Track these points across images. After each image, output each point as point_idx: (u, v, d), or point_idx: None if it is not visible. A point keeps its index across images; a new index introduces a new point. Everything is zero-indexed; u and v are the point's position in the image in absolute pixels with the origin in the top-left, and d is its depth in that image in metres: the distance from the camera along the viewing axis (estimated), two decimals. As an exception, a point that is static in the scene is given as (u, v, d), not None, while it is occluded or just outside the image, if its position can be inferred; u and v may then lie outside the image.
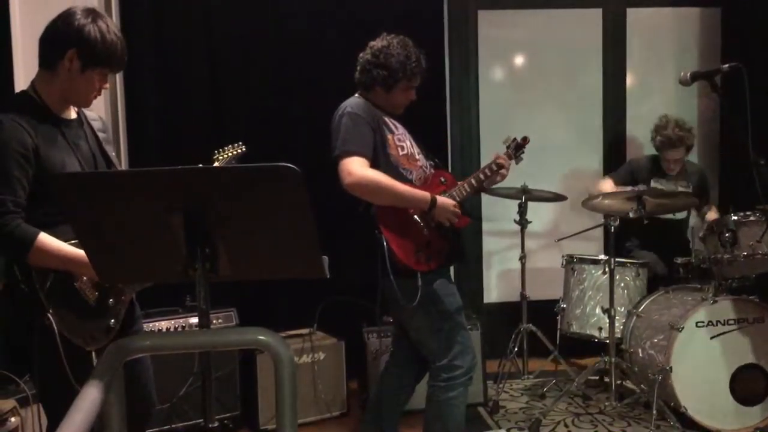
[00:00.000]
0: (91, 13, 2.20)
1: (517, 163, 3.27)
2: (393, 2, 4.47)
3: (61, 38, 2.17)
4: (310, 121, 4.35)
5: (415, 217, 2.97)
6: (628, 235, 4.57)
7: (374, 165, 2.92)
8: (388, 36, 3.06)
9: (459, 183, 3.12)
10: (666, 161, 4.50)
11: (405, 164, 3.01)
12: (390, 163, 2.97)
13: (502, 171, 3.16)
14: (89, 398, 1.53)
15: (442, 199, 2.97)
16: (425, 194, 2.94)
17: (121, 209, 1.70)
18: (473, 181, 3.11)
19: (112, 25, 2.24)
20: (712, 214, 4.45)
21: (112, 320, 2.23)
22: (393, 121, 3.06)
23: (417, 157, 3.08)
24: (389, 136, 2.99)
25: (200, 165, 2.58)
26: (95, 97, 2.29)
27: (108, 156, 2.35)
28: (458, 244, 3.15)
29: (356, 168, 2.85)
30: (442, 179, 3.14)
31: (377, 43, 3.05)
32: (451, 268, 4.76)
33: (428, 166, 3.14)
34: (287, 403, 1.68)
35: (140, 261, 1.86)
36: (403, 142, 3.04)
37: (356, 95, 3.09)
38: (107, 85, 2.31)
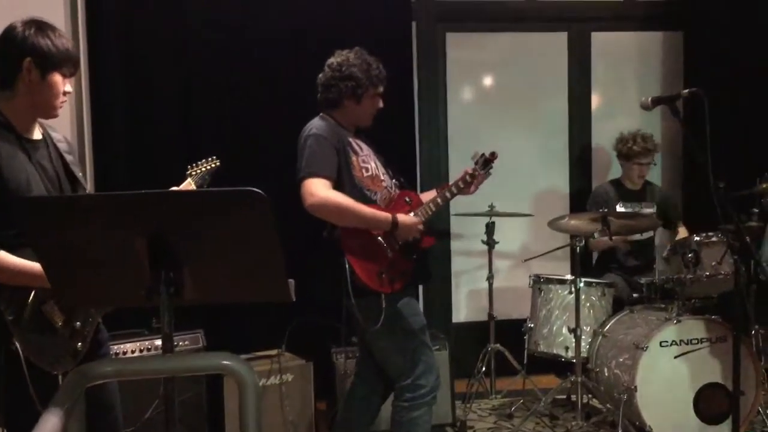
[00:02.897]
0: (32, 22, 2.20)
1: (484, 178, 3.29)
2: (362, 24, 4.50)
3: (11, 53, 2.17)
4: (281, 138, 4.32)
5: (379, 238, 2.98)
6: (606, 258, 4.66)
7: (338, 186, 2.94)
8: (342, 52, 3.12)
9: (424, 202, 3.15)
10: (634, 168, 4.61)
11: (369, 185, 3.04)
12: (354, 184, 2.99)
13: (474, 183, 3.19)
14: (49, 425, 1.51)
15: (403, 218, 2.99)
16: (387, 215, 2.97)
17: (83, 233, 1.69)
18: (439, 200, 3.14)
19: (56, 28, 2.24)
20: (681, 231, 4.53)
21: (79, 343, 2.21)
22: (358, 141, 3.09)
23: (382, 178, 3.11)
24: (354, 158, 3.02)
25: (173, 188, 2.59)
26: (62, 105, 2.28)
27: (74, 177, 2.33)
28: (424, 264, 3.17)
29: (318, 189, 2.87)
30: (407, 199, 3.16)
31: (334, 60, 3.11)
32: (420, 287, 4.83)
33: (393, 186, 3.16)
34: (252, 428, 1.68)
35: (103, 285, 1.85)
36: (367, 163, 3.06)
37: (320, 116, 3.11)
38: (71, 89, 2.30)
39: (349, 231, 2.94)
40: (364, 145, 3.12)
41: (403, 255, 3.03)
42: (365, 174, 3.04)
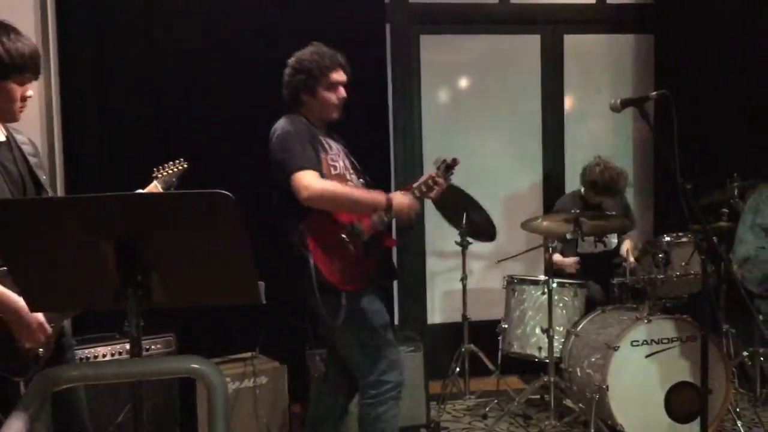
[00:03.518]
0: None
1: (446, 184, 3.29)
2: (336, 26, 4.50)
3: None
4: (252, 140, 4.30)
5: (343, 236, 2.99)
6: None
7: None
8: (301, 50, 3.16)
9: None
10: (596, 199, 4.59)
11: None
12: None
13: (436, 188, 3.19)
14: (14, 430, 1.50)
15: (397, 198, 3.03)
16: (381, 196, 3.01)
17: (50, 237, 1.68)
18: None
19: (13, 32, 2.19)
20: (625, 245, 4.55)
21: (41, 349, 2.18)
22: (327, 140, 3.12)
23: (349, 177, 3.13)
24: (323, 156, 3.04)
25: (138, 190, 2.57)
26: (22, 109, 2.24)
27: (39, 180, 2.31)
28: (387, 264, 3.21)
29: (312, 181, 2.89)
30: None
31: (292, 59, 3.14)
32: (395, 289, 4.84)
33: (360, 186, 3.18)
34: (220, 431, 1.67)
35: (71, 289, 1.83)
36: (335, 162, 3.09)
37: (287, 116, 3.11)
38: (31, 93, 2.26)
39: (315, 227, 2.96)
40: (333, 144, 3.15)
41: (366, 253, 3.05)
42: (333, 172, 3.05)
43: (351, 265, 3.00)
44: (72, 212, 1.66)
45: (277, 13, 4.47)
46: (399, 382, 3.12)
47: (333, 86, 3.11)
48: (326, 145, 3.08)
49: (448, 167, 3.25)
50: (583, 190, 4.66)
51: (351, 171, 3.16)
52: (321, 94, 3.10)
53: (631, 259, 4.39)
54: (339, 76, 3.12)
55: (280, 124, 3.05)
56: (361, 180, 3.20)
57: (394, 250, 4.88)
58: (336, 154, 3.11)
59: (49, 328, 2.16)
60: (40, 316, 2.11)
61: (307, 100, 3.11)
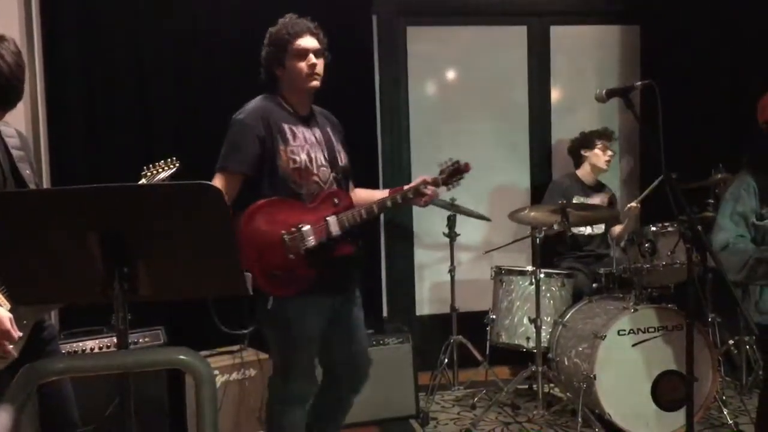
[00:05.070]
0: None
1: (448, 190, 3.11)
2: (322, 18, 4.46)
3: None
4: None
5: (285, 237, 2.77)
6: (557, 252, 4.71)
7: (259, 176, 2.83)
8: None
9: (356, 207, 2.91)
10: (598, 154, 4.68)
11: (296, 179, 2.85)
12: (277, 175, 2.83)
13: (427, 196, 2.98)
14: (0, 423, 1.50)
15: None
16: None
17: (33, 229, 1.67)
18: (374, 207, 2.91)
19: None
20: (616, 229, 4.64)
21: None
22: (294, 128, 2.90)
23: (315, 171, 2.89)
24: (281, 148, 2.84)
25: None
26: None
27: (20, 174, 2.28)
28: (338, 275, 2.92)
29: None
30: (336, 200, 2.93)
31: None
32: (383, 281, 4.84)
33: (330, 182, 2.96)
34: (209, 423, 1.68)
35: (56, 282, 1.82)
36: (296, 155, 2.86)
37: (261, 96, 2.98)
38: None
39: (253, 221, 2.76)
40: (302, 134, 2.91)
41: (308, 261, 2.81)
42: (292, 166, 2.84)
43: (285, 269, 2.78)
44: (56, 204, 1.66)
45: (263, 5, 4.45)
46: (304, 394, 2.99)
47: (301, 54, 2.89)
48: (289, 136, 2.86)
49: (457, 171, 2.97)
50: (585, 161, 4.76)
51: (322, 163, 2.93)
52: (289, 64, 2.90)
53: (617, 230, 4.58)
54: (307, 42, 2.91)
55: (246, 110, 2.90)
56: (333, 174, 2.96)
57: (382, 242, 4.91)
58: (300, 146, 2.88)
59: (16, 337, 2.12)
60: (7, 323, 2.09)
61: (280, 75, 2.95)
